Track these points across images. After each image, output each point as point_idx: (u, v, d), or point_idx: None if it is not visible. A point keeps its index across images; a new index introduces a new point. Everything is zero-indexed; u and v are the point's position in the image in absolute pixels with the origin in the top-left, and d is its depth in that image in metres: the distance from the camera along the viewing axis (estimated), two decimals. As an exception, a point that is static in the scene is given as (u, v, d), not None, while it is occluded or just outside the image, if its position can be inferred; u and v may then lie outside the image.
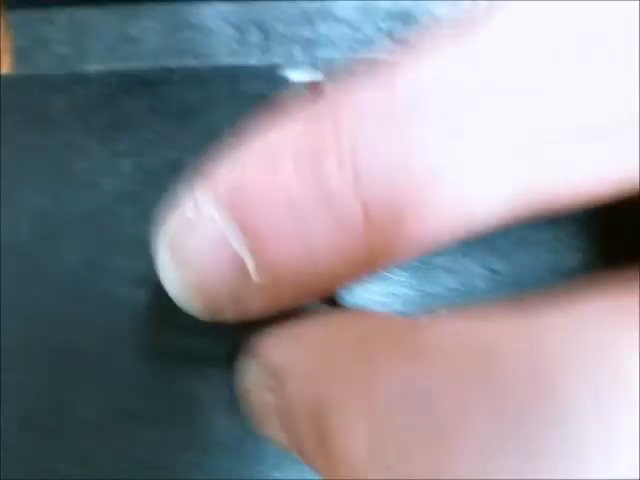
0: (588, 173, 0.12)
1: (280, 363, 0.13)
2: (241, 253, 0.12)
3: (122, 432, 0.16)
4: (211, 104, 0.18)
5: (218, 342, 0.17)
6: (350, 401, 0.11)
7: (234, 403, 0.16)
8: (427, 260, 0.17)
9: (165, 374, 0.17)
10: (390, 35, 0.22)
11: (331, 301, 0.17)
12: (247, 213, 0.12)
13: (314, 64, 0.19)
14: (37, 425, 0.17)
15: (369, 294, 0.17)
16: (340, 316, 0.14)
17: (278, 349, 0.13)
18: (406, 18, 0.20)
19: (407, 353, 0.11)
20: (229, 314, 0.13)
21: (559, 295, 0.11)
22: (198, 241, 0.12)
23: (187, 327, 0.17)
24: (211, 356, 0.17)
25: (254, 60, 0.19)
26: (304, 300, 0.13)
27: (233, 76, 0.18)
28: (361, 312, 0.14)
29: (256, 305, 0.13)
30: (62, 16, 0.20)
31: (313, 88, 0.19)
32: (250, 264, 0.12)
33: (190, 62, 0.19)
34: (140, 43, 0.19)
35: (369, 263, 0.12)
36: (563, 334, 0.10)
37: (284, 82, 0.18)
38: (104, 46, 0.19)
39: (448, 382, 0.10)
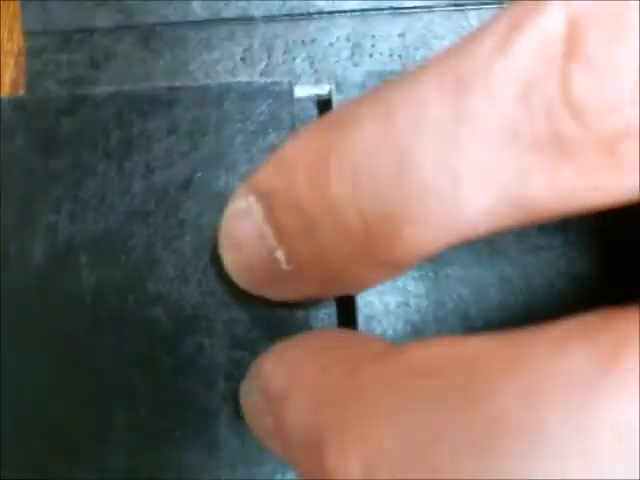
0: (572, 184, 0.12)
1: (278, 390, 0.14)
2: (273, 245, 0.14)
3: (138, 446, 0.17)
4: (220, 122, 0.18)
5: (233, 358, 0.17)
6: (345, 430, 0.12)
7: (238, 410, 0.16)
8: (440, 269, 0.17)
9: (179, 390, 0.17)
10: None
11: (347, 309, 0.17)
12: (275, 212, 0.14)
13: (320, 79, 0.20)
14: (50, 437, 0.17)
15: (383, 304, 0.17)
16: (334, 340, 0.15)
17: (276, 377, 0.14)
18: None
19: (392, 381, 0.12)
20: (269, 294, 0.15)
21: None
22: (244, 230, 0.14)
23: (201, 344, 0.17)
24: (226, 373, 0.17)
25: (261, 77, 0.20)
26: (330, 291, 0.15)
27: (241, 94, 0.18)
28: (353, 336, 0.15)
29: (289, 289, 0.15)
30: (75, 41, 0.20)
31: (321, 104, 0.19)
32: (279, 254, 0.14)
33: (199, 81, 0.19)
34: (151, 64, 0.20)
35: (374, 264, 0.13)
36: (547, 351, 0.10)
37: (291, 98, 0.18)
38: (116, 69, 0.20)
39: (430, 403, 0.11)
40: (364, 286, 0.15)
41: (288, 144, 0.14)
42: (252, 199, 0.14)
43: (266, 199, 0.14)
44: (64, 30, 0.21)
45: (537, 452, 0.10)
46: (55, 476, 0.16)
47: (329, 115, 0.14)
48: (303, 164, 0.13)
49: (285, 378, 0.14)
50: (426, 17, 0.22)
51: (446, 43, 0.22)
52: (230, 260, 0.15)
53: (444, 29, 0.22)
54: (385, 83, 0.13)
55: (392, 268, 0.13)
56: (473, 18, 0.22)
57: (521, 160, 0.12)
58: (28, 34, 0.21)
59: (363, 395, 0.12)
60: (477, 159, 0.12)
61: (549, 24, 0.11)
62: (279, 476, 0.17)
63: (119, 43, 0.21)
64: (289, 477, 0.17)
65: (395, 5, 0.22)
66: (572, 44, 0.11)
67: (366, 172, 0.12)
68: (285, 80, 0.18)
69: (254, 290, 0.16)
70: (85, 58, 0.21)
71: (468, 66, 0.12)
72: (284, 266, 0.14)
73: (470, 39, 0.12)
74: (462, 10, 0.22)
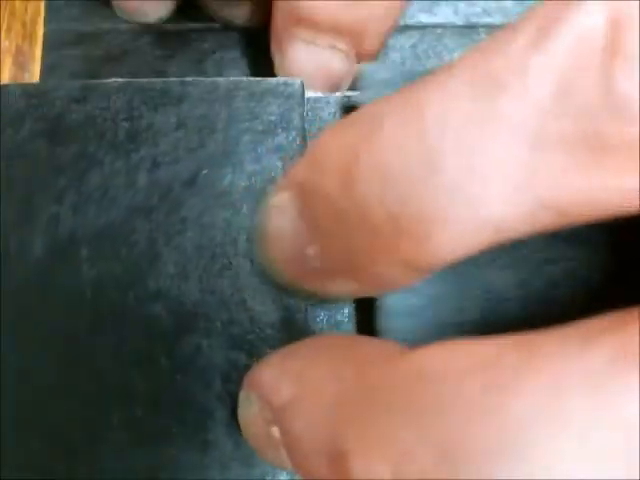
0: (608, 184, 0.11)
1: (284, 402, 0.13)
2: (306, 240, 0.14)
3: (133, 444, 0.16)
4: (229, 120, 0.18)
5: (230, 359, 0.16)
6: (367, 433, 0.12)
7: (233, 412, 0.16)
8: (459, 272, 0.16)
9: (177, 389, 0.16)
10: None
11: (366, 311, 0.17)
12: (308, 209, 0.14)
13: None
14: (50, 437, 0.16)
15: (402, 304, 0.16)
16: (339, 344, 0.14)
17: (280, 385, 0.14)
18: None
19: (411, 382, 0.12)
20: (301, 289, 0.15)
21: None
22: (280, 225, 0.15)
23: (199, 344, 0.16)
24: (223, 373, 0.16)
25: (273, 77, 0.19)
26: (356, 291, 0.15)
27: (251, 92, 0.18)
28: (358, 338, 0.16)
29: (319, 286, 0.15)
30: (92, 38, 0.20)
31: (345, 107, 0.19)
32: (310, 251, 0.14)
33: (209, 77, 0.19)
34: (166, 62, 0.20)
35: (400, 264, 0.13)
36: (563, 352, 0.10)
37: (303, 99, 0.18)
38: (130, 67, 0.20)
39: (452, 405, 0.11)
40: (388, 287, 0.15)
41: (318, 141, 0.14)
42: (288, 195, 0.14)
43: (300, 195, 0.14)
44: (82, 27, 0.21)
45: (555, 452, 0.10)
46: (55, 476, 0.16)
47: (358, 112, 0.14)
48: (333, 162, 0.13)
49: (291, 385, 0.13)
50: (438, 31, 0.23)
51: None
52: (265, 254, 0.15)
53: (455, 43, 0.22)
54: (414, 82, 0.13)
55: (417, 269, 0.13)
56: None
57: (554, 159, 0.11)
58: (46, 29, 0.21)
59: (381, 397, 0.12)
60: (507, 158, 0.11)
61: (589, 21, 0.11)
62: (269, 477, 0.16)
63: (134, 42, 0.21)
64: (280, 478, 0.16)
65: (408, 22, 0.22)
66: (614, 42, 0.11)
67: (394, 170, 0.12)
68: (297, 80, 0.18)
69: (286, 284, 0.16)
70: (101, 54, 0.21)
71: (501, 63, 0.12)
72: (315, 262, 0.14)
73: (502, 36, 0.12)
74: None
